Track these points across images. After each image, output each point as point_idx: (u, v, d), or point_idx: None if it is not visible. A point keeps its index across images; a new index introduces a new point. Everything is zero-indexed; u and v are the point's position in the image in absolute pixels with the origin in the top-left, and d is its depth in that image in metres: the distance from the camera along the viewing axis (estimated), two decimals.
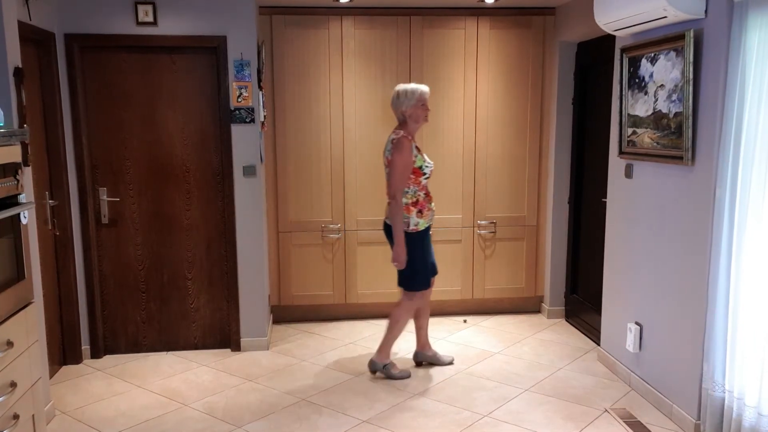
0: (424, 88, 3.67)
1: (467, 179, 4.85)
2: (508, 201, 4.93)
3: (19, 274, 2.47)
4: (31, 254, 3.11)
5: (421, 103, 3.64)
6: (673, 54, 3.13)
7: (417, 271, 3.73)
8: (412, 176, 3.63)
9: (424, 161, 3.68)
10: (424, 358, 4.04)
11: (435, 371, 3.94)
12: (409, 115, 3.65)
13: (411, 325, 4.43)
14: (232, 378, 3.88)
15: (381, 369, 3.83)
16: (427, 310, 3.99)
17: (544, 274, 5.02)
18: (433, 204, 3.75)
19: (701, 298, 3.01)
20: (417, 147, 3.68)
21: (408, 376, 3.83)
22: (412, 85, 3.67)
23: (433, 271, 3.89)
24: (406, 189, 3.64)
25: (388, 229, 3.76)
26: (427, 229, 3.75)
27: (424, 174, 3.67)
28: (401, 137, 3.61)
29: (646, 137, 3.43)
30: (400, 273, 3.75)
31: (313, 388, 3.73)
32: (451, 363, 4.05)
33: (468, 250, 4.92)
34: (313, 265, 4.84)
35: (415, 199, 3.66)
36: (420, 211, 3.66)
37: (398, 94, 3.67)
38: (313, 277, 4.85)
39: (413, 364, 4.06)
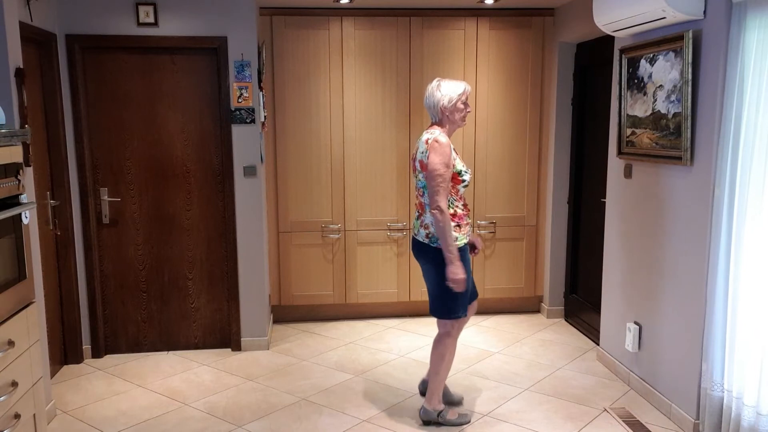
0: (466, 85, 3.16)
1: None
2: (508, 201, 4.94)
3: (20, 273, 2.48)
4: (33, 254, 3.11)
5: (461, 102, 3.13)
6: (671, 54, 3.14)
7: (454, 296, 3.10)
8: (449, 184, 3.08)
9: (463, 166, 3.13)
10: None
11: None
12: (448, 114, 3.12)
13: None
14: (233, 377, 3.89)
15: (435, 418, 3.24)
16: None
17: (544, 274, 5.03)
18: (468, 218, 3.21)
19: (700, 298, 3.02)
20: (455, 150, 3.16)
21: (468, 421, 3.28)
22: (453, 81, 3.15)
23: (473, 295, 3.34)
24: None
25: (418, 247, 3.20)
26: (465, 246, 3.15)
27: (464, 181, 3.12)
28: (438, 136, 3.05)
29: (645, 137, 3.44)
30: (435, 299, 3.17)
31: (313, 387, 3.74)
32: (460, 402, 3.49)
33: None
34: (313, 265, 4.85)
35: (453, 211, 3.08)
36: (458, 225, 3.09)
37: (439, 88, 3.12)
38: (313, 277, 4.86)
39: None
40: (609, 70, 4.03)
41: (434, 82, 3.17)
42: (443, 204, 3.00)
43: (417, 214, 3.24)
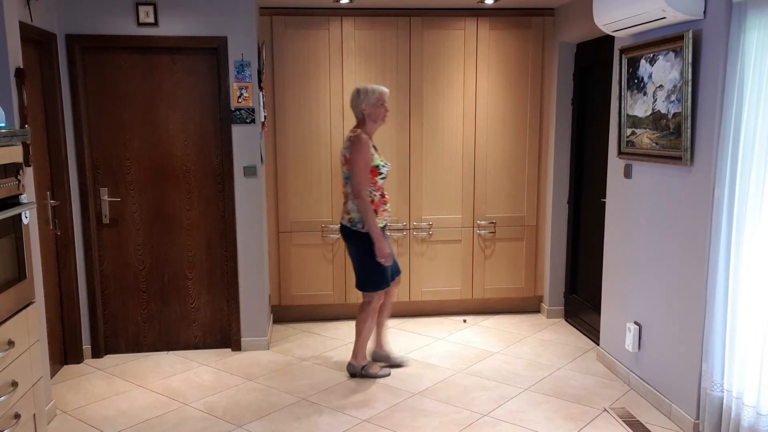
0: (384, 89, 3.70)
1: (467, 179, 4.86)
2: (508, 201, 4.94)
3: (20, 273, 2.48)
4: (33, 254, 3.11)
5: (380, 103, 3.66)
6: (671, 55, 3.14)
7: (371, 271, 3.70)
8: (368, 175, 3.65)
9: (381, 161, 3.69)
10: (378, 357, 4.05)
11: (434, 371, 3.95)
12: (368, 114, 3.66)
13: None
14: (233, 377, 3.89)
15: (359, 371, 3.85)
16: (388, 309, 3.99)
17: (544, 274, 5.03)
18: (388, 205, 3.76)
19: (700, 298, 3.02)
20: (374, 146, 3.70)
21: (388, 374, 3.86)
22: (372, 85, 3.70)
23: (396, 270, 3.89)
24: None
25: (344, 231, 3.75)
26: (382, 229, 3.71)
27: (381, 174, 3.67)
28: (359, 134, 3.62)
29: (645, 137, 3.44)
30: (357, 275, 3.76)
31: (313, 387, 3.74)
32: (400, 365, 4.01)
33: (468, 250, 4.93)
34: (313, 265, 4.85)
35: (370, 199, 3.62)
36: (374, 211, 3.63)
37: (358, 93, 3.68)
38: (313, 277, 4.86)
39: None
40: (609, 70, 4.03)
41: (355, 87, 3.71)
42: (364, 192, 3.57)
43: (344, 201, 3.74)
